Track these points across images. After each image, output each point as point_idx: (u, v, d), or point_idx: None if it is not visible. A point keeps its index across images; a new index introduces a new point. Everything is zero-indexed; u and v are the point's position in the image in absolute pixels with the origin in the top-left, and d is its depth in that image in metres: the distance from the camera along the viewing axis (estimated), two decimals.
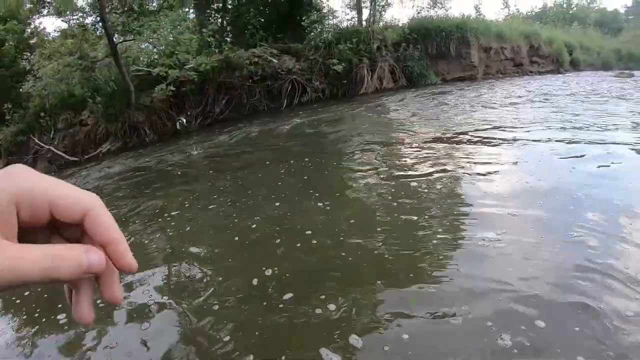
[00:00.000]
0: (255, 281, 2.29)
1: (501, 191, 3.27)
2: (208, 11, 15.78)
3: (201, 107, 12.28)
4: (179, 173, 6.16)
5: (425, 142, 5.32)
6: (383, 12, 15.91)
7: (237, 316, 2.03)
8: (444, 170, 3.99)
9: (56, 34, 18.37)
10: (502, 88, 12.63)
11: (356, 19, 14.86)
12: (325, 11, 15.14)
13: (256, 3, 14.68)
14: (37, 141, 15.39)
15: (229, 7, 15.61)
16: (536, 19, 31.69)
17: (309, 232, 2.88)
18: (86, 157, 13.84)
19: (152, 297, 2.36)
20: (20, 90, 16.85)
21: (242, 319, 2.00)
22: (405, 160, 4.63)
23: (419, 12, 16.47)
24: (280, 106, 11.75)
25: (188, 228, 3.49)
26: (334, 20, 15.47)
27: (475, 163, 4.17)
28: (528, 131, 5.43)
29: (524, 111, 7.24)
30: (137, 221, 3.90)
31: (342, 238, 2.70)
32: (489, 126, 5.99)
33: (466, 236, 2.55)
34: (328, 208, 3.30)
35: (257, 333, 1.85)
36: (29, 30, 18.38)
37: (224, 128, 10.73)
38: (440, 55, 14.89)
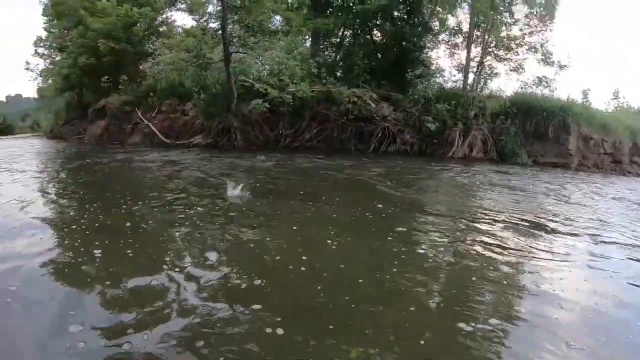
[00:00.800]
0: None
1: None
2: (324, 43, 16.59)
3: (293, 130, 12.93)
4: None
5: (506, 226, 5.17)
6: (489, 81, 15.75)
7: None
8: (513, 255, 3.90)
9: (181, 29, 20.08)
10: (595, 184, 12.08)
11: (461, 82, 14.89)
12: (433, 68, 15.37)
13: (368, 46, 15.24)
14: (140, 115, 16.88)
15: (345, 44, 16.30)
16: None
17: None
18: (177, 142, 14.98)
19: None
20: (139, 67, 18.60)
21: None
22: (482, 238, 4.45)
23: (522, 88, 16.12)
24: (367, 149, 12.11)
25: None
26: (440, 78, 15.63)
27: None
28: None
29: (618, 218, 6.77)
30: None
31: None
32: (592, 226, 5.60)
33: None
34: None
35: None
36: (160, 18, 20.15)
37: (308, 154, 11.26)
38: (536, 136, 14.48)
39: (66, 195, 6.23)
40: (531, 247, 4.25)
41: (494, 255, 3.83)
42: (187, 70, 15.45)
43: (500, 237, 4.51)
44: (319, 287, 2.89)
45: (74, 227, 4.11)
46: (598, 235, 4.91)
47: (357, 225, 4.69)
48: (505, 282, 3.27)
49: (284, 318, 2.40)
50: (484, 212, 5.77)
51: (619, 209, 7.02)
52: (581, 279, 3.52)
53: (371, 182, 7.58)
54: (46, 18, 24.94)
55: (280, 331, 2.26)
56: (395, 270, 3.31)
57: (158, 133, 15.68)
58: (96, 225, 4.16)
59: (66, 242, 3.75)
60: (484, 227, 4.91)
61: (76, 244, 3.60)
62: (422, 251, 3.87)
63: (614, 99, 26.75)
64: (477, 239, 4.37)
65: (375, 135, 12.29)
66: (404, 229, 4.56)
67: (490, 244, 4.19)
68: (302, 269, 3.21)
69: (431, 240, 4.20)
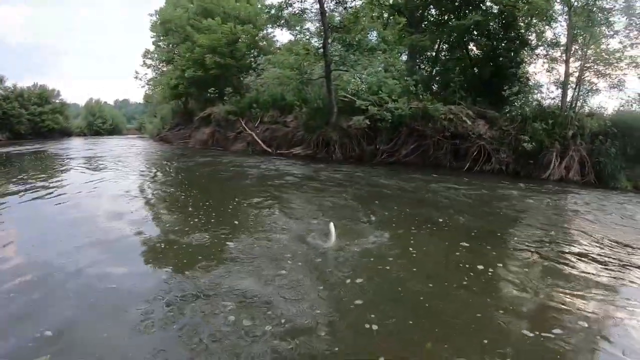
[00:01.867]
0: None
1: None
2: (420, 59, 17.24)
3: (390, 145, 13.75)
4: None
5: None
6: (588, 98, 15.43)
7: None
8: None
9: (282, 43, 21.66)
10: None
11: (559, 99, 14.77)
12: (530, 84, 15.36)
13: (463, 62, 15.64)
14: (243, 124, 18.62)
15: (441, 58, 16.82)
16: None
17: None
18: (278, 152, 16.39)
19: None
20: (243, 80, 20.43)
21: None
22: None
23: (623, 106, 15.63)
24: (462, 167, 12.54)
25: None
26: (538, 95, 15.55)
27: None
28: None
29: None
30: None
31: None
32: None
33: None
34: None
35: None
36: (261, 34, 21.93)
37: (406, 171, 12.01)
38: (638, 159, 14.06)
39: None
40: None
41: None
42: (290, 84, 16.81)
43: None
44: None
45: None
46: None
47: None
48: None
49: None
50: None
51: None
52: None
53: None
54: (154, 33, 27.86)
55: None
56: None
57: (260, 142, 17.23)
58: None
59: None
60: None
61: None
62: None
63: None
64: None
65: (470, 154, 12.70)
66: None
67: None
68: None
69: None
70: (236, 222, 5.66)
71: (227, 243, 4.69)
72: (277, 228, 5.30)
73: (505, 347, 2.84)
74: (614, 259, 5.12)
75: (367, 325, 2.97)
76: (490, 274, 4.18)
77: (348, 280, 3.72)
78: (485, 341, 2.87)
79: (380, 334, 2.89)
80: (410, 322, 3.06)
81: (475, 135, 12.82)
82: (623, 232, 6.81)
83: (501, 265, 4.47)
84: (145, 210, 6.43)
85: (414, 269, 4.12)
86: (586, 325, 3.25)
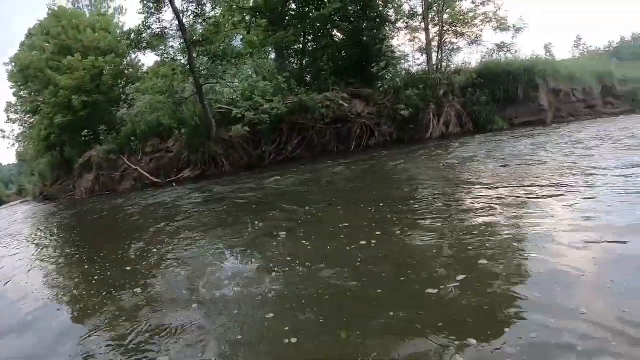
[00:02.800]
0: None
1: None
2: (288, 54, 17.09)
3: (275, 145, 13.44)
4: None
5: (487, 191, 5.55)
6: (452, 57, 16.39)
7: None
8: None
9: (148, 66, 20.53)
10: (578, 131, 12.73)
11: (426, 64, 15.48)
12: (397, 56, 15.91)
13: (330, 49, 15.74)
14: (126, 161, 17.33)
15: (309, 49, 16.79)
16: (613, 56, 30.57)
17: None
18: (168, 180, 15.44)
19: None
20: (116, 114, 19.04)
21: None
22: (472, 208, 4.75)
23: (484, 58, 16.80)
24: (349, 148, 12.63)
25: None
26: (406, 65, 16.18)
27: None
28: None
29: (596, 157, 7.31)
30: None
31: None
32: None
33: None
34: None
35: None
36: (125, 62, 20.61)
37: (294, 165, 11.77)
38: (508, 100, 15.12)
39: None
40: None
41: None
42: (163, 109, 15.91)
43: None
44: None
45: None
46: None
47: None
48: None
49: None
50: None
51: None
52: None
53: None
54: (13, 83, 25.29)
55: None
56: None
57: (147, 175, 16.13)
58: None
59: None
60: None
61: None
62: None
63: (577, 46, 27.62)
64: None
65: (354, 134, 12.81)
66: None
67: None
68: None
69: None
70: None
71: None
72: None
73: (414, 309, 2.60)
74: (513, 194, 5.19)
75: (287, 340, 2.55)
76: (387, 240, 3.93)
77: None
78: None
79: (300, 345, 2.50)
80: (323, 319, 2.70)
81: (354, 116, 12.95)
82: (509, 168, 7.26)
83: (399, 231, 4.22)
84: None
85: (319, 264, 3.63)
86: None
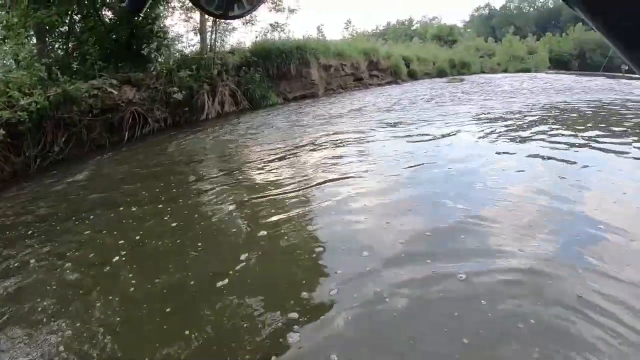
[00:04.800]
0: None
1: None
2: (53, 36, 15.69)
3: (40, 147, 12.47)
4: None
5: (264, 159, 6.91)
6: (227, 36, 17.36)
7: None
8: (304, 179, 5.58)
9: None
10: (340, 101, 15.20)
11: (200, 44, 16.09)
12: (170, 37, 16.05)
13: (97, 31, 15.03)
14: None
15: (76, 31, 15.70)
16: (379, 37, 36.25)
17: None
18: None
19: None
20: None
21: None
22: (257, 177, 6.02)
23: (257, 37, 18.30)
24: (122, 140, 12.45)
25: None
26: (179, 45, 16.48)
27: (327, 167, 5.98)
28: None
29: (357, 121, 9.50)
30: None
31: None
32: (342, 134, 8.11)
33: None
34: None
35: None
36: None
37: (61, 169, 11.09)
38: (281, 76, 16.85)
39: None
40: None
41: None
42: None
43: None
44: None
45: None
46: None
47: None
48: None
49: None
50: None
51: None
52: None
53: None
54: None
55: None
56: None
57: None
58: None
59: None
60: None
61: None
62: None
63: (347, 27, 32.12)
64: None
65: (126, 123, 12.68)
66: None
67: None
68: None
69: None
70: None
71: None
72: None
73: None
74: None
75: None
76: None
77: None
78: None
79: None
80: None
81: (125, 103, 12.85)
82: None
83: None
84: None
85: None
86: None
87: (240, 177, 6.21)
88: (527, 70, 38.51)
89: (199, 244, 3.92)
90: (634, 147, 6.36)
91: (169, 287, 3.24)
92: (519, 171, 5.31)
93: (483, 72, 34.37)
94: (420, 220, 3.93)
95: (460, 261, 3.10)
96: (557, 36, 59.48)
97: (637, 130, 8.51)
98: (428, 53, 29.69)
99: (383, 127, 9.32)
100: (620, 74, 41.15)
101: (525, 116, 10.07)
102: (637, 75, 33.11)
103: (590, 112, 11.15)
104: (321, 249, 3.57)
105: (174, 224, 4.52)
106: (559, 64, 52.19)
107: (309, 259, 3.43)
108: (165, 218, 4.75)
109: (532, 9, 78.28)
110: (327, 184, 5.25)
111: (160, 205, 5.21)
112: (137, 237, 4.24)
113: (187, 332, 2.62)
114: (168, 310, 2.91)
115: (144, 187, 6.38)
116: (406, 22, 47.40)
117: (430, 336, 2.40)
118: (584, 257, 3.06)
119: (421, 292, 2.78)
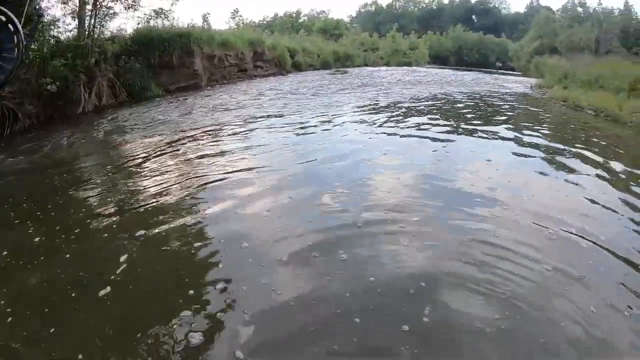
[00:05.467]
0: None
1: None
2: None
3: None
4: None
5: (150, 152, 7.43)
6: (107, 21, 16.92)
7: None
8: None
9: None
10: (224, 93, 16.28)
11: (77, 30, 15.64)
12: (45, 20, 15.37)
13: None
14: None
15: None
16: (266, 28, 37.51)
17: None
18: None
19: None
20: None
21: None
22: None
23: (139, 23, 18.15)
24: None
25: None
26: (55, 30, 15.76)
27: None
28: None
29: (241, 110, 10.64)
30: None
31: None
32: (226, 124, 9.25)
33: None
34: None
35: None
36: None
37: None
38: (163, 66, 17.05)
39: None
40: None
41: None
42: None
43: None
44: None
45: None
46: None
47: None
48: None
49: None
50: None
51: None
52: None
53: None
54: None
55: None
56: None
57: None
58: None
59: None
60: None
61: None
62: None
63: (234, 17, 32.82)
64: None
65: None
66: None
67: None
68: None
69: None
70: None
71: None
72: None
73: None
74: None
75: None
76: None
77: None
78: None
79: None
80: None
81: None
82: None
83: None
84: None
85: None
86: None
87: (119, 179, 6.10)
88: (408, 64, 42.57)
89: (73, 251, 3.86)
90: (505, 130, 9.08)
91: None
92: (400, 157, 6.82)
93: (366, 64, 37.40)
94: (305, 224, 4.22)
95: (343, 248, 3.71)
96: (438, 35, 66.00)
97: (505, 118, 11.57)
98: (313, 45, 31.64)
99: (267, 119, 10.56)
100: (494, 70, 47.62)
101: (405, 105, 12.24)
102: (508, 72, 38.98)
103: (468, 102, 14.00)
104: (205, 246, 3.79)
105: (42, 238, 4.25)
106: (438, 59, 58.39)
107: (193, 257, 3.65)
108: (34, 228, 4.46)
109: (416, 9, 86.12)
110: (213, 184, 5.45)
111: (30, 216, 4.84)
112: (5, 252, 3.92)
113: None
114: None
115: (13, 190, 6.01)
116: (294, 15, 49.24)
117: (323, 326, 2.74)
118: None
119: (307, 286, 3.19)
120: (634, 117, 11.73)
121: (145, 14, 18.44)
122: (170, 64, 17.28)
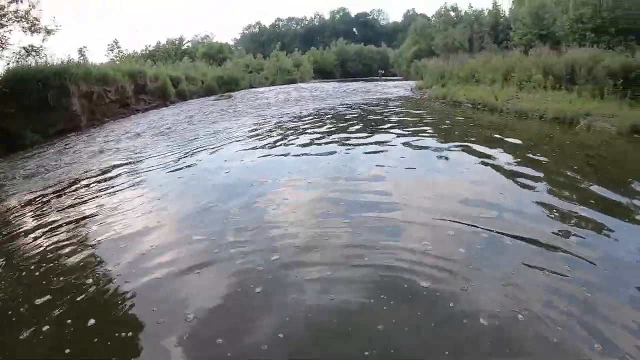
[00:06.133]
0: None
1: None
2: None
3: None
4: None
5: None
6: None
7: None
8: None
9: None
10: (105, 133, 16.11)
11: None
12: None
13: None
14: None
15: None
16: (149, 57, 37.39)
17: None
18: None
19: None
20: None
21: None
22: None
23: (9, 64, 17.44)
24: None
25: None
26: None
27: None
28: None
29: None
30: None
31: None
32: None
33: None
34: None
35: None
36: None
37: None
38: (39, 109, 16.24)
39: None
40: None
41: None
42: None
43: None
44: None
45: None
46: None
47: None
48: None
49: None
50: None
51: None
52: None
53: None
54: None
55: None
56: None
57: None
58: None
59: None
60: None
61: None
62: None
63: (113, 49, 32.41)
64: None
65: None
66: None
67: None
68: None
69: None
70: None
71: None
72: None
73: None
74: None
75: None
76: None
77: None
78: None
79: None
80: None
81: None
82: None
83: None
84: None
85: None
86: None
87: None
88: (293, 81, 44.98)
89: None
90: (392, 137, 9.93)
91: None
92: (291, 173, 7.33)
93: (252, 86, 38.80)
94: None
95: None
96: (322, 50, 70.29)
97: (388, 126, 12.11)
98: (197, 72, 32.30)
99: (150, 156, 10.28)
100: (377, 77, 51.32)
101: (287, 123, 13.05)
102: (391, 78, 42.95)
103: (352, 114, 15.12)
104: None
105: None
106: (323, 73, 62.13)
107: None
108: None
109: (299, 27, 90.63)
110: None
111: None
112: None
113: None
114: None
115: None
116: (177, 42, 49.22)
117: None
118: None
119: None
120: (509, 104, 13.43)
121: (14, 53, 17.79)
122: (46, 106, 16.45)
